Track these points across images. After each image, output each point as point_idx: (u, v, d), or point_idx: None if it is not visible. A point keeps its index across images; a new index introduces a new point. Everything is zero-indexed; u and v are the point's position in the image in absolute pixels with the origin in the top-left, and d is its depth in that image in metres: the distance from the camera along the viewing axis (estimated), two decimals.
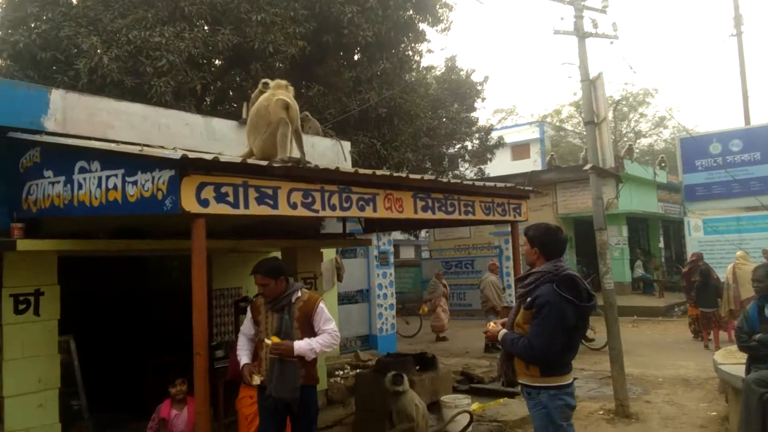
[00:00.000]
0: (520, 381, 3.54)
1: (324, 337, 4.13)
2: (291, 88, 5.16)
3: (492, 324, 3.71)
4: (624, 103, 32.67)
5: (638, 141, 33.21)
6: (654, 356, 10.09)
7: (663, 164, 21.18)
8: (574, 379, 3.52)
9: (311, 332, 4.13)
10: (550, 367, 3.37)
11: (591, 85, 7.01)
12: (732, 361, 5.71)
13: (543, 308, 3.31)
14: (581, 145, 25.89)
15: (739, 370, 5.15)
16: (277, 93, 5.00)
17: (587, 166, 6.85)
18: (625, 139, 31.02)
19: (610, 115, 25.91)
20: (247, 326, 4.33)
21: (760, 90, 54.64)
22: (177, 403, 4.27)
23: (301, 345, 4.01)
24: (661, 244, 22.55)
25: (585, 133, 7.84)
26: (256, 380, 3.96)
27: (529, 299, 3.40)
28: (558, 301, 3.29)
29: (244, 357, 4.22)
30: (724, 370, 5.54)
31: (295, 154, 5.08)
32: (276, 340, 3.95)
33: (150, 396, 7.72)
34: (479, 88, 19.73)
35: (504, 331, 3.55)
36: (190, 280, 4.08)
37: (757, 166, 16.60)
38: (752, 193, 14.95)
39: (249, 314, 4.33)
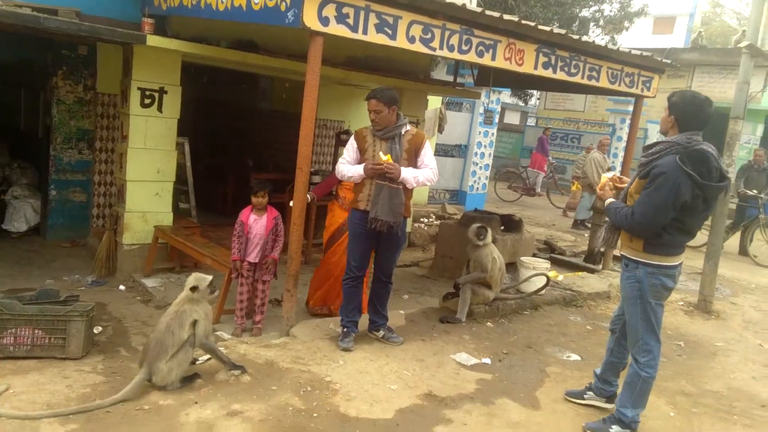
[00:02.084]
0: (621, 252, 3.47)
1: (426, 171, 4.20)
2: None
3: (606, 178, 3.54)
4: None
5: None
6: (753, 264, 9.58)
7: None
8: (679, 264, 3.31)
9: (414, 166, 4.21)
10: (657, 244, 3.23)
11: None
12: None
13: (657, 178, 3.11)
14: (737, 27, 22.76)
15: None
16: None
17: (743, 43, 6.02)
18: None
19: None
20: (350, 155, 4.27)
21: None
22: (257, 211, 4.72)
23: (407, 171, 4.12)
24: None
25: (747, 11, 6.79)
26: (383, 158, 4.03)
27: (647, 169, 3.20)
28: (675, 174, 3.06)
29: (355, 168, 4.20)
30: None
31: None
32: (389, 159, 4.05)
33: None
34: None
35: (611, 199, 3.44)
36: (298, 105, 4.17)
37: None
38: None
39: (353, 144, 4.28)
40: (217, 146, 9.90)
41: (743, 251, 10.06)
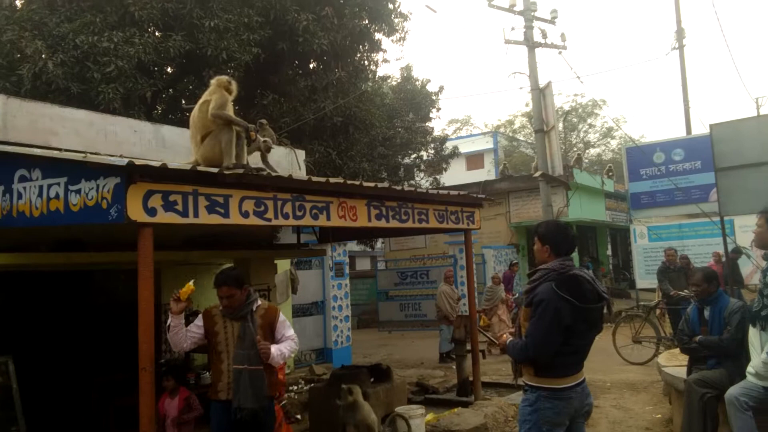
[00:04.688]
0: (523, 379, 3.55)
1: (289, 344, 4.14)
2: (233, 84, 4.99)
3: (505, 336, 3.70)
4: (573, 114, 33.64)
5: (587, 151, 34.26)
6: (602, 361, 10.29)
7: (610, 173, 21.88)
8: (574, 384, 3.36)
9: (272, 340, 4.09)
10: (545, 368, 3.35)
11: (540, 93, 7.19)
12: (674, 363, 5.91)
13: (539, 306, 3.30)
14: (533, 155, 26.46)
15: (681, 372, 5.33)
16: (210, 96, 4.86)
17: (537, 173, 7.02)
18: (575, 149, 31.91)
19: (561, 125, 26.58)
20: (191, 329, 4.08)
21: (701, 100, 57.35)
22: (171, 393, 5.26)
23: (274, 349, 3.99)
24: (609, 252, 23.21)
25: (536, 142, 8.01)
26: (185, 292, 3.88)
27: (530, 296, 3.41)
28: (554, 300, 3.26)
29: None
30: (667, 372, 5.72)
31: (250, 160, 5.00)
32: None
33: (95, 414, 7.43)
34: (434, 98, 19.96)
35: (510, 339, 3.57)
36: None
37: (697, 175, 17.24)
38: (693, 200, 15.54)
39: (199, 322, 4.11)
40: (54, 354, 8.85)
41: None
